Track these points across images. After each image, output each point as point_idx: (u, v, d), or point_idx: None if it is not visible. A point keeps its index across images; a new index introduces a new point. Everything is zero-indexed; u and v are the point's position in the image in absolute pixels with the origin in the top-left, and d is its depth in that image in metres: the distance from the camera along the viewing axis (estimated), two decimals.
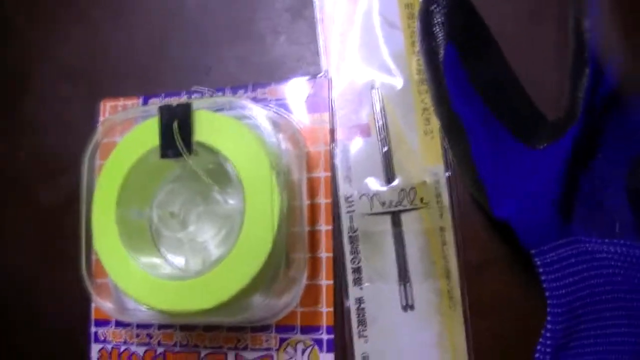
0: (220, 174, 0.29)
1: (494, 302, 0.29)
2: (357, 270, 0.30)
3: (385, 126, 0.30)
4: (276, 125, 0.30)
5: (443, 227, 0.29)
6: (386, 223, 0.30)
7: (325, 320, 0.30)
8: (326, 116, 0.31)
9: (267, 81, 0.33)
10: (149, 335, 0.33)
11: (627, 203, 0.28)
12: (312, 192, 0.31)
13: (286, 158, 0.30)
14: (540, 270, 0.27)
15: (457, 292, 0.29)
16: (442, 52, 0.28)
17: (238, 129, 0.28)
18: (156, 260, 0.31)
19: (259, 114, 0.29)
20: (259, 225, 0.27)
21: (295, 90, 0.32)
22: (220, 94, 0.33)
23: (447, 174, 0.30)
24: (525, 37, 0.30)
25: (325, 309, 0.30)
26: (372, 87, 0.31)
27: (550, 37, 0.30)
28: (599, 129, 0.28)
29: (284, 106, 0.32)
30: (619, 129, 0.28)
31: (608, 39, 0.27)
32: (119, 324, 0.34)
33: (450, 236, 0.29)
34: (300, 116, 0.32)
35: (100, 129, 0.32)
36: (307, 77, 0.32)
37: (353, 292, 0.30)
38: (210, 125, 0.29)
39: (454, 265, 0.29)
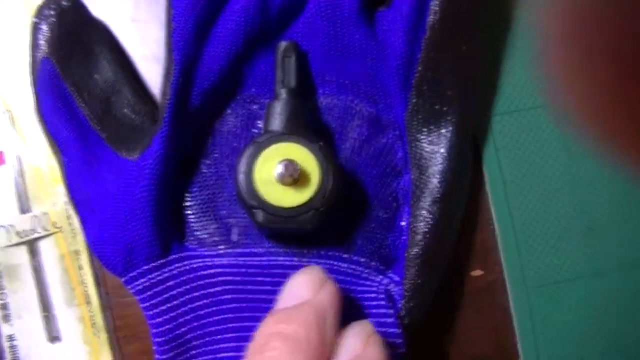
0: None
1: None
2: (5, 307, 0.28)
3: (18, 153, 0.29)
4: None
5: (77, 250, 0.28)
6: (25, 254, 0.28)
7: None
8: None
9: None
10: None
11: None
12: None
13: None
14: (136, 298, 0.24)
15: (99, 318, 0.27)
16: (38, 67, 0.26)
17: None
18: None
19: None
20: None
21: None
22: None
23: None
24: None
25: None
26: (4, 112, 0.29)
27: None
28: (206, 130, 0.26)
29: None
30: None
31: None
32: None
33: (85, 259, 0.27)
34: None
35: None
36: None
37: (5, 329, 0.28)
38: None
39: (93, 290, 0.27)
